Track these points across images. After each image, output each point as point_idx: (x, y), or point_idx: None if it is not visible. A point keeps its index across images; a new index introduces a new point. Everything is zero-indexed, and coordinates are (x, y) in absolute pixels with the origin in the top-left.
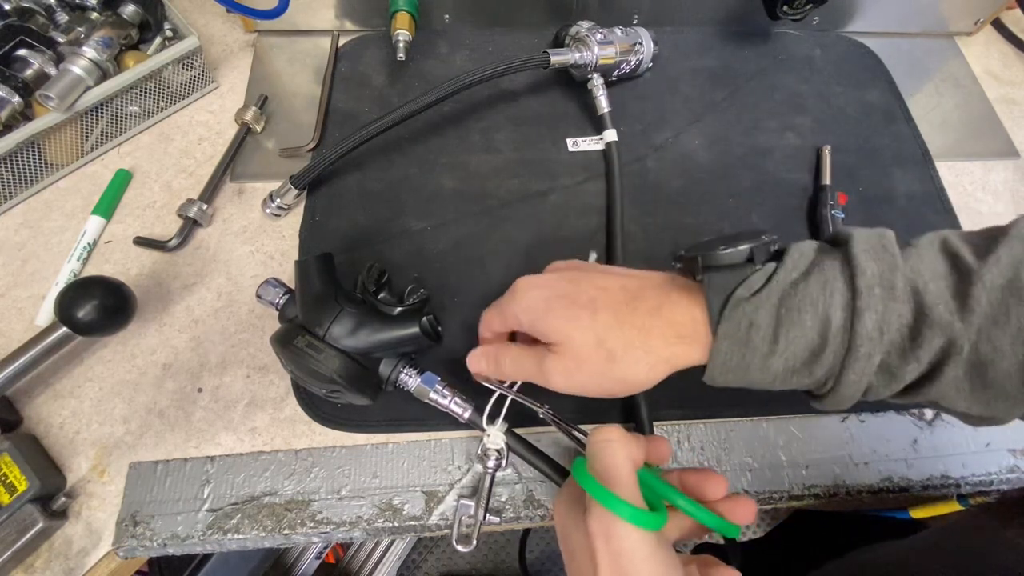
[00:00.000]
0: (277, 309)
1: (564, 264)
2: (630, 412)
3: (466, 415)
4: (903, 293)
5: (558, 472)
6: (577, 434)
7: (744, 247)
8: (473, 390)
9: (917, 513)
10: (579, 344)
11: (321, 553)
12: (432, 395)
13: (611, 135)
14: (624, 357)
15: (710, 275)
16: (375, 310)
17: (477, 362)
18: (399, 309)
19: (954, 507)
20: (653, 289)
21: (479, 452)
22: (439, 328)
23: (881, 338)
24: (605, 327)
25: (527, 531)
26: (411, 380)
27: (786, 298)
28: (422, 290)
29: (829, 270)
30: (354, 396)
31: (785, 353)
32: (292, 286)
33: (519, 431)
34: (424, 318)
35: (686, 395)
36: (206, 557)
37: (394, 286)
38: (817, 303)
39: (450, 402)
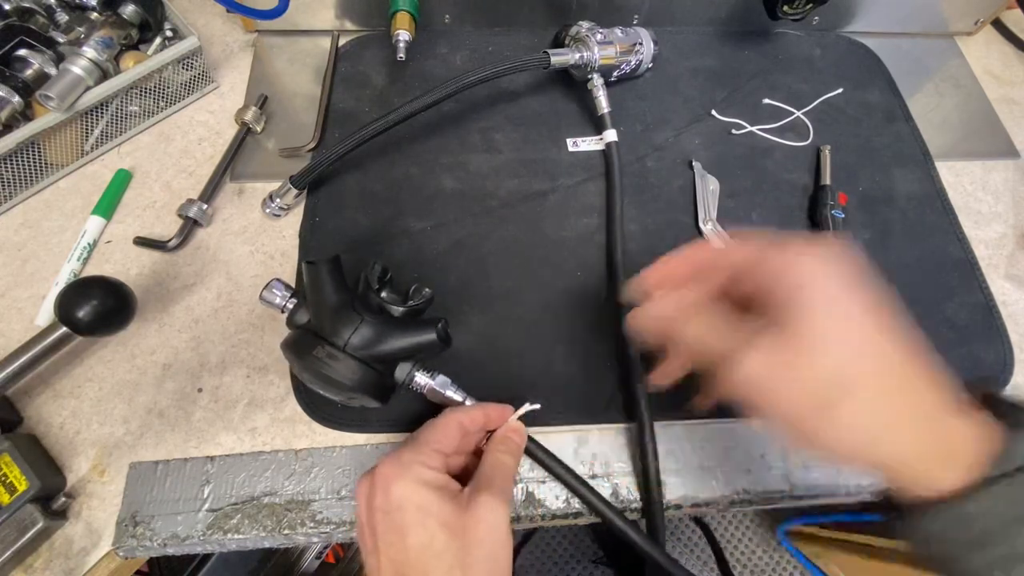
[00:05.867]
0: (283, 312)
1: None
2: (631, 412)
3: None
4: None
5: (567, 471)
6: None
7: None
8: (477, 390)
9: None
10: (820, 329)
11: (321, 553)
12: (448, 393)
13: (611, 135)
14: (856, 395)
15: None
16: (391, 318)
17: (648, 315)
18: (402, 309)
19: None
20: (940, 374)
21: None
22: (449, 331)
23: None
24: (866, 340)
25: (527, 537)
26: (425, 381)
27: None
28: (427, 289)
29: None
30: (369, 401)
31: None
32: (295, 287)
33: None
34: (439, 324)
35: (686, 395)
36: (206, 557)
37: (396, 284)
38: None
39: (464, 400)
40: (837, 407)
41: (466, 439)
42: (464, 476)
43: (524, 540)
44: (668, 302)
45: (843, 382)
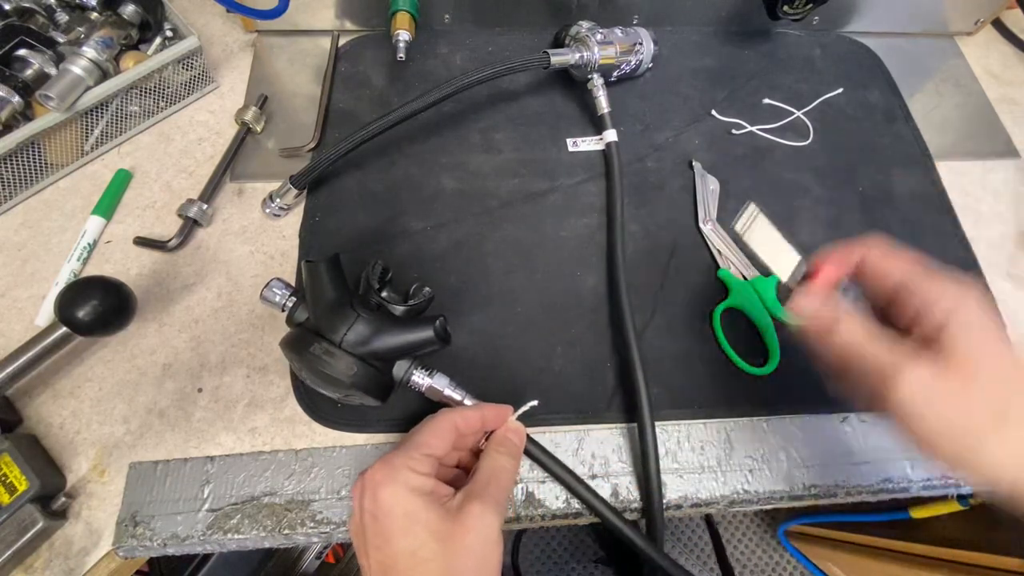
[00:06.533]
0: (283, 311)
1: None
2: (631, 412)
3: None
4: None
5: (566, 471)
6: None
7: None
8: (477, 390)
9: (917, 513)
10: (985, 362)
11: (321, 553)
12: (447, 391)
13: (611, 135)
14: (1010, 422)
15: None
16: (389, 315)
17: (810, 304)
18: (403, 308)
19: (954, 507)
20: None
21: None
22: (448, 329)
23: None
24: (1015, 372)
25: (520, 532)
26: (423, 380)
27: None
28: (427, 288)
29: None
30: (367, 399)
31: None
32: (295, 285)
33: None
34: (436, 321)
35: (686, 395)
36: (206, 557)
37: (396, 283)
38: None
39: (463, 399)
40: (993, 433)
41: (462, 440)
42: (461, 474)
43: (518, 539)
44: (829, 297)
45: (999, 409)
